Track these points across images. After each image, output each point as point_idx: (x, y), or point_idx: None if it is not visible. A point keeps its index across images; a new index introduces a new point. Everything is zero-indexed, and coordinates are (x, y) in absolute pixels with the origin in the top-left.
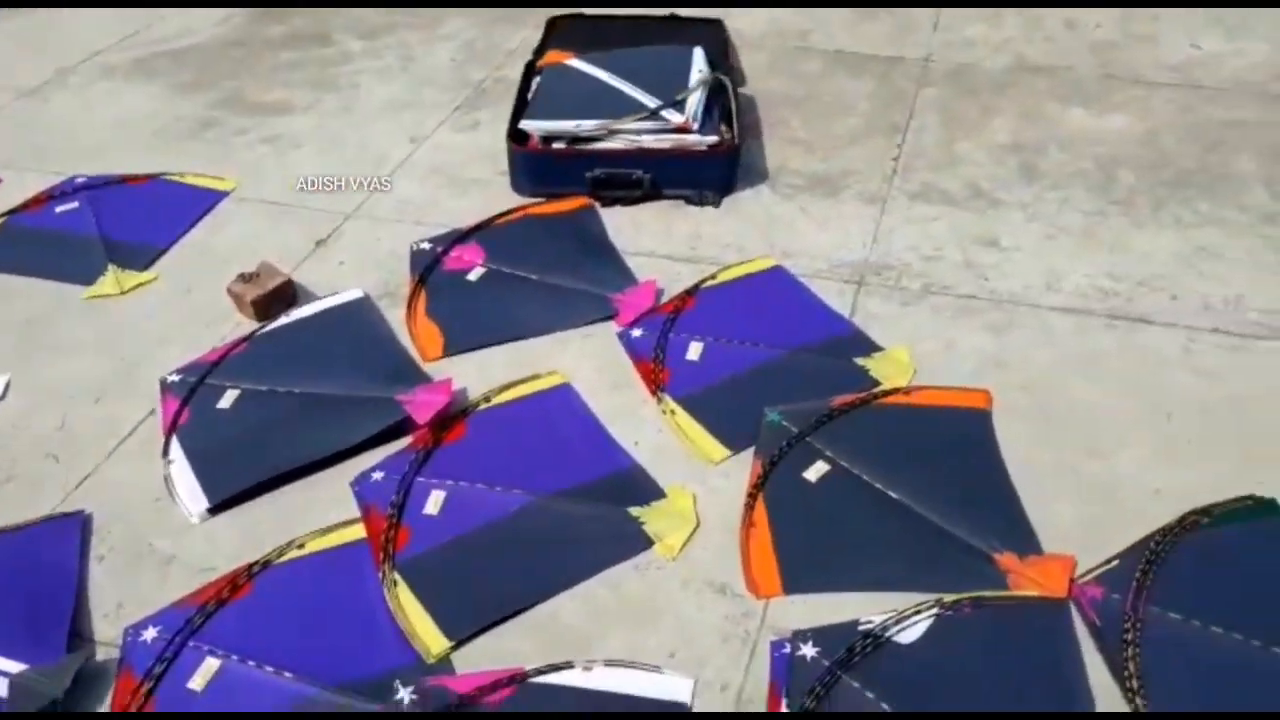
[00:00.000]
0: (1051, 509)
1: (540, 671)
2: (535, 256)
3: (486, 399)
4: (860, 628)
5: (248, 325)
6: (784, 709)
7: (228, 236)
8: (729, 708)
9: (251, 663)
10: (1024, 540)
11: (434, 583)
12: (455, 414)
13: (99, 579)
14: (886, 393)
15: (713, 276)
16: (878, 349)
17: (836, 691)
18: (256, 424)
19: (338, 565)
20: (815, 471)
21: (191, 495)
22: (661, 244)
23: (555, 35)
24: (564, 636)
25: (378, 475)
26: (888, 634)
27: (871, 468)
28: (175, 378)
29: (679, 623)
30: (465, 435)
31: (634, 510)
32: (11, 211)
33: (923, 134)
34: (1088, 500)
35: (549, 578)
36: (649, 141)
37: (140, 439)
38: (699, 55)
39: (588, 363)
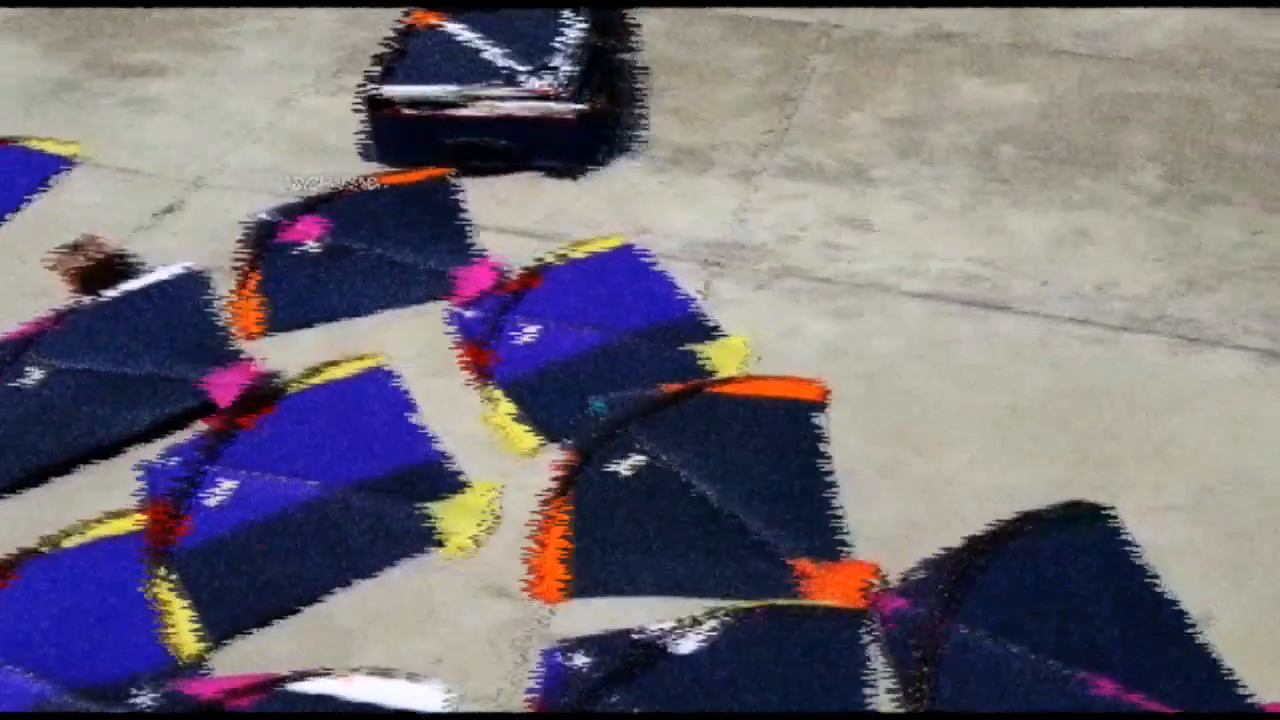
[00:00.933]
0: (870, 510)
1: (293, 678)
2: (379, 229)
3: (298, 382)
4: (637, 636)
5: (74, 298)
6: None
7: (71, 205)
8: None
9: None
10: (830, 544)
11: (204, 579)
12: (261, 397)
13: None
14: (716, 382)
15: (561, 255)
16: (718, 335)
17: (600, 705)
18: (54, 405)
19: (111, 556)
20: (629, 466)
21: None
22: (518, 218)
23: None
24: (332, 640)
25: (170, 461)
26: (664, 644)
27: (687, 462)
28: None
29: (453, 628)
30: (269, 420)
31: (429, 505)
32: None
33: (811, 105)
34: (910, 501)
35: (327, 577)
36: (513, 108)
37: None
38: (579, 19)
39: (414, 344)
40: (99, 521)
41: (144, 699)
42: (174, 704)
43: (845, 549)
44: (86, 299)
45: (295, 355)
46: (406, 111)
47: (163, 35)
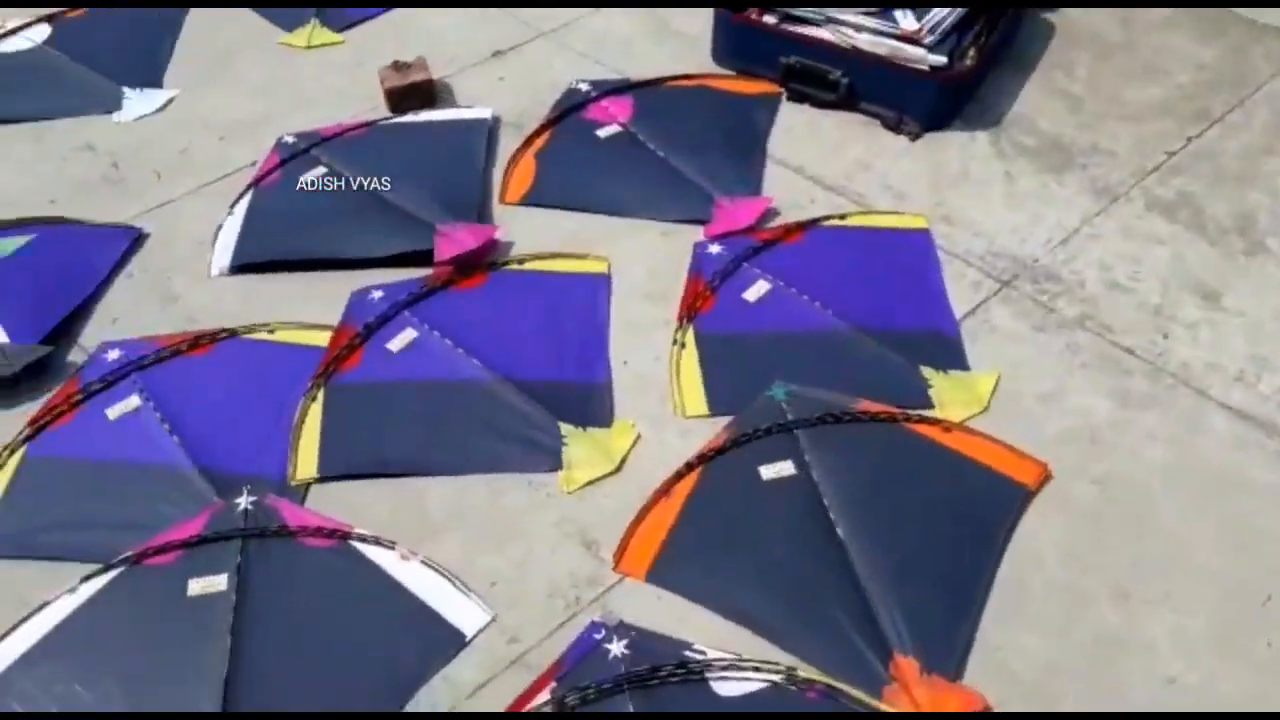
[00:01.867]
0: (1018, 637)
1: (364, 539)
2: (677, 131)
3: (520, 261)
4: (686, 653)
5: (382, 111)
6: (548, 691)
7: (429, 24)
8: (505, 662)
9: (159, 416)
10: (949, 656)
11: (345, 414)
12: (482, 263)
13: (114, 293)
14: (920, 418)
15: (841, 217)
16: (962, 366)
17: (607, 704)
18: (319, 206)
19: (287, 361)
20: (776, 470)
21: (224, 250)
22: (820, 161)
23: None
24: (416, 518)
25: (376, 294)
26: (706, 676)
27: (839, 494)
28: (289, 139)
29: (525, 557)
30: (478, 287)
31: (565, 427)
32: None
33: (1233, 134)
34: (1075, 652)
35: (446, 456)
36: (865, 41)
37: (231, 183)
38: None
39: (646, 261)
40: (299, 327)
41: (244, 503)
42: (260, 517)
43: (962, 670)
44: (390, 116)
45: (537, 233)
46: (754, 16)
47: None
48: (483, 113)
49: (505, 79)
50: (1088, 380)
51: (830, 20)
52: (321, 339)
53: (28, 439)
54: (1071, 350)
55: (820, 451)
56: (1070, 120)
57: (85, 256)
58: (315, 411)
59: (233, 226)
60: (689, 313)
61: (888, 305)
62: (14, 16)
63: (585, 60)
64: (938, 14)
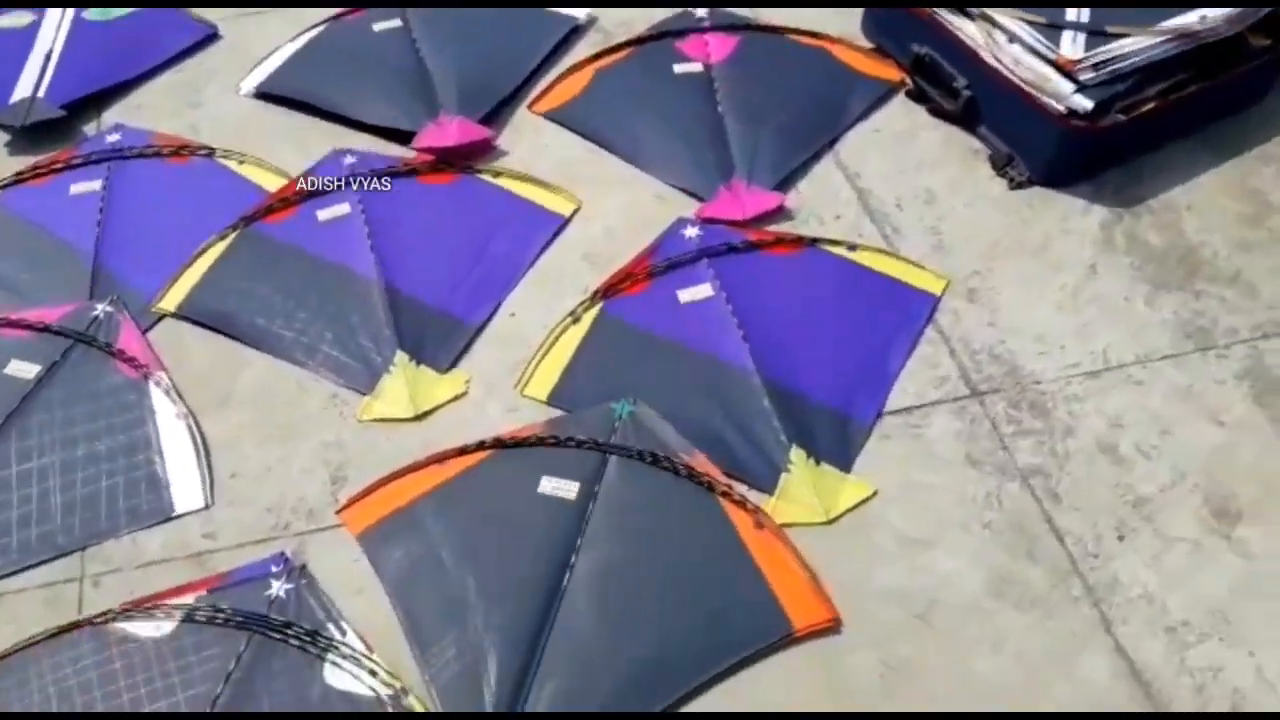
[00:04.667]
0: None
1: (159, 384)
2: (755, 90)
3: (495, 174)
4: (330, 625)
5: None
6: (192, 596)
7: None
8: (187, 552)
9: (101, 205)
10: None
11: (237, 263)
12: (459, 163)
13: (156, 82)
14: (742, 502)
15: (851, 247)
16: (844, 466)
17: (228, 634)
18: (365, 56)
19: (236, 193)
20: (556, 486)
21: (261, 73)
22: (883, 176)
23: None
24: (224, 383)
25: (349, 159)
26: (326, 656)
27: (601, 539)
28: None
29: (275, 464)
30: (439, 185)
31: (400, 356)
32: None
33: None
34: None
35: (287, 339)
36: (1009, 55)
37: (324, 13)
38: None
39: (619, 218)
40: (263, 165)
41: (100, 310)
42: (103, 328)
43: None
44: None
45: (534, 152)
46: None
47: None
48: (576, 13)
49: None
50: (978, 546)
51: (986, 17)
52: (276, 183)
53: (3, 188)
54: (989, 503)
55: (616, 487)
56: (1232, 232)
57: (155, 41)
58: (217, 250)
59: (285, 53)
60: (607, 290)
61: (819, 366)
62: None
63: None
64: (1108, 49)
